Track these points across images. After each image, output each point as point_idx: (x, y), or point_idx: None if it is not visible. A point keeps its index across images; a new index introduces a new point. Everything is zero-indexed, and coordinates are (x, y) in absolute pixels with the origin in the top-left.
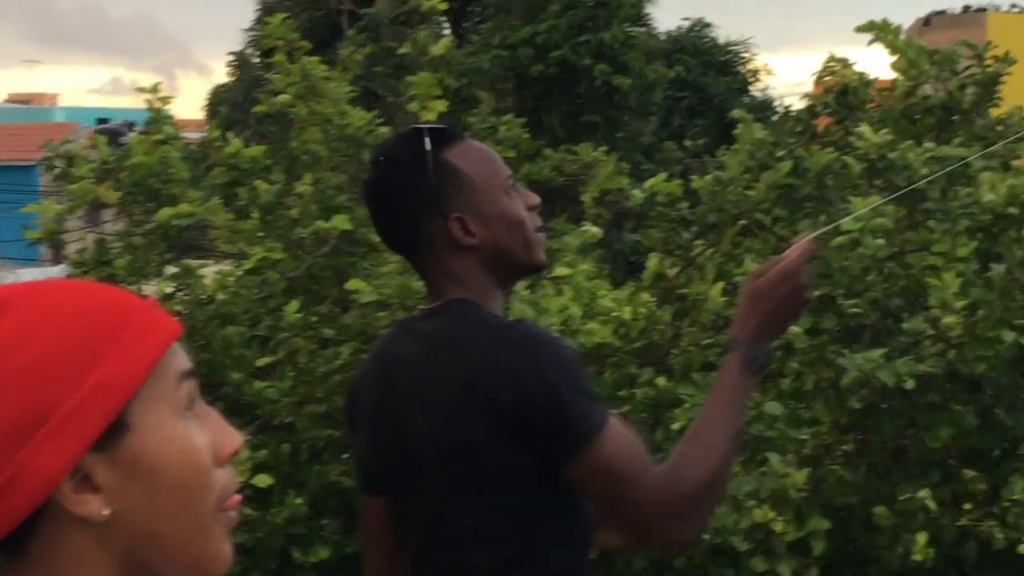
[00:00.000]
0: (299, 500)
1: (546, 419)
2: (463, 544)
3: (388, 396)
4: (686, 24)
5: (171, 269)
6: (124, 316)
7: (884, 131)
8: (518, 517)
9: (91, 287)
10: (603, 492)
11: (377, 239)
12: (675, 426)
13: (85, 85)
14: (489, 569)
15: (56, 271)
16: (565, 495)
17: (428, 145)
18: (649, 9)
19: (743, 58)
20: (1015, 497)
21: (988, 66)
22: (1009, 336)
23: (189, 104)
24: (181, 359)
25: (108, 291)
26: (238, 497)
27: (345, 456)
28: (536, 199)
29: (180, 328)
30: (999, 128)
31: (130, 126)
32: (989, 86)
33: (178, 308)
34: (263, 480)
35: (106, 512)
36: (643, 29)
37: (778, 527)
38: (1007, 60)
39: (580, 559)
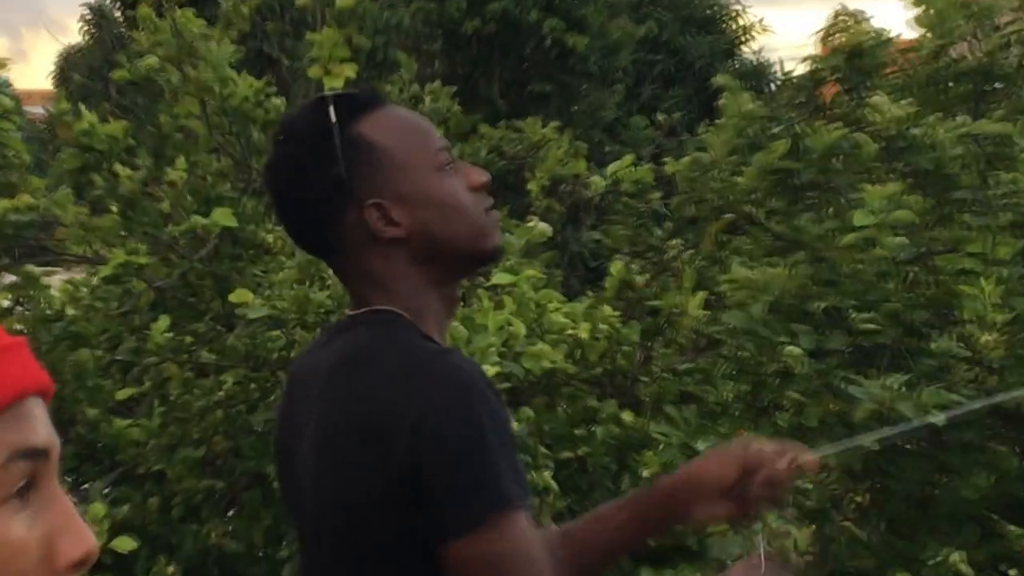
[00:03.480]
0: (171, 568)
1: (437, 482)
2: None
3: (286, 418)
4: None
5: (9, 278)
6: None
7: (906, 102)
8: None
9: None
10: None
11: (268, 238)
12: (645, 472)
13: None
14: None
15: None
16: None
17: (334, 116)
18: None
19: (731, 12)
20: None
21: (1001, 26)
22: None
23: (36, 71)
24: (16, 431)
25: None
26: None
27: (230, 514)
28: (482, 177)
29: (18, 388)
30: None
31: None
32: None
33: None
34: (125, 543)
35: None
36: None
37: (763, 545)
38: None
39: None
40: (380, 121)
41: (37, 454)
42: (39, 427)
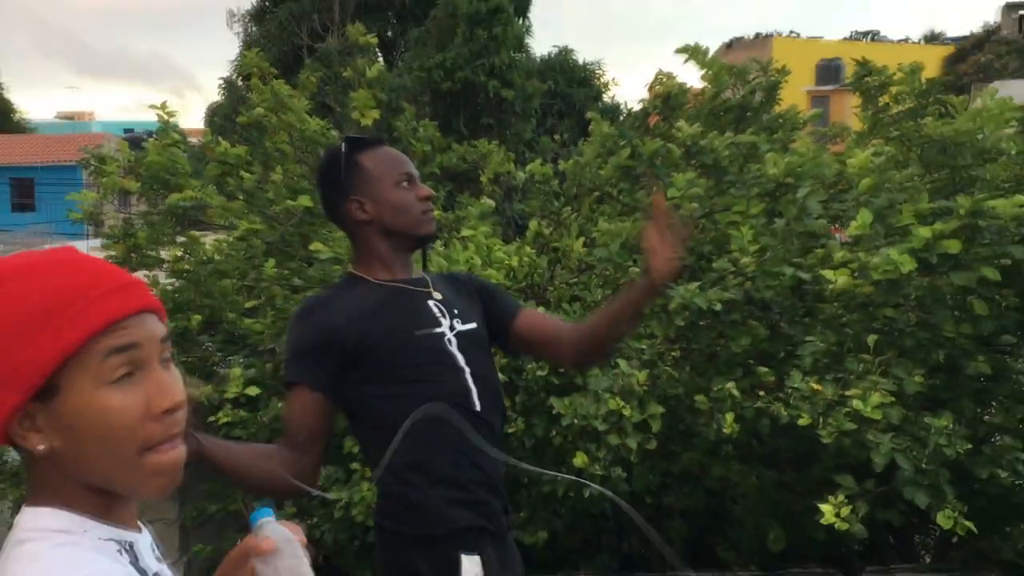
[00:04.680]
0: (279, 404)
1: None
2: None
3: None
4: (555, 50)
5: (180, 239)
6: (66, 302)
7: (697, 125)
8: None
9: (72, 270)
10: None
11: None
12: None
13: (115, 104)
14: None
15: (96, 243)
16: None
17: (344, 148)
18: (528, 40)
19: (597, 75)
20: (794, 386)
21: (771, 77)
22: (789, 271)
23: (192, 117)
24: (121, 337)
25: (77, 276)
26: (169, 445)
27: None
28: (426, 192)
29: (132, 308)
30: (779, 121)
31: (149, 134)
32: (771, 91)
33: (186, 267)
34: (253, 390)
35: (42, 447)
36: (523, 55)
37: (626, 412)
38: (784, 72)
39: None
40: (372, 154)
41: (126, 349)
42: (132, 331)
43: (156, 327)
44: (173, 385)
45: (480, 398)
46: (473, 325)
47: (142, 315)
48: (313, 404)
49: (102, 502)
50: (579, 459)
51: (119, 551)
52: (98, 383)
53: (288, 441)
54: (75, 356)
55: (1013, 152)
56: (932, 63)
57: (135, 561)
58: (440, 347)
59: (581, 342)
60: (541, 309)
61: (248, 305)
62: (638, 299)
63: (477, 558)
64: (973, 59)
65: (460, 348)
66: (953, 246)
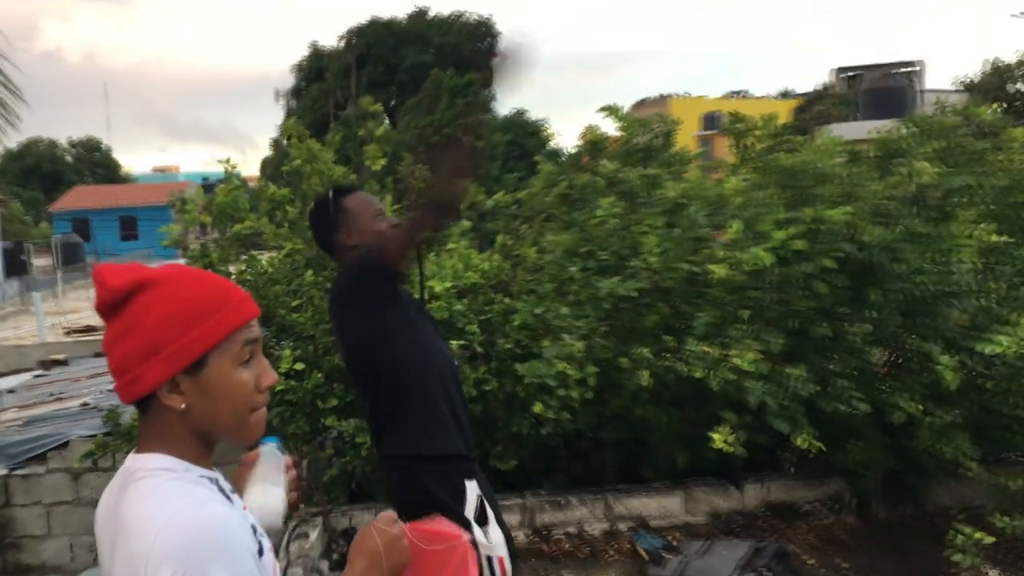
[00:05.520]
0: (319, 375)
1: None
2: None
3: None
4: (513, 112)
5: (243, 257)
6: (219, 303)
7: (615, 162)
8: None
9: (213, 281)
10: None
11: None
12: (516, 322)
13: (194, 160)
14: None
15: (181, 262)
16: None
17: (331, 195)
18: (495, 104)
19: (543, 129)
20: (691, 349)
21: (669, 126)
22: (684, 266)
23: (249, 168)
24: (250, 332)
25: (219, 286)
26: (264, 409)
27: None
28: (392, 221)
29: (255, 313)
30: (675, 158)
31: (219, 182)
32: (669, 136)
33: (248, 277)
34: (299, 366)
35: (182, 407)
36: (490, 115)
37: (570, 372)
38: (677, 123)
39: None
40: (352, 197)
41: (253, 341)
42: (254, 329)
43: (259, 328)
44: (270, 368)
45: (453, 367)
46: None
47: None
48: None
49: (199, 449)
50: (538, 407)
51: (210, 485)
52: (234, 364)
53: None
54: (222, 342)
55: (842, 175)
56: (784, 113)
57: (221, 491)
58: (432, 332)
59: None
60: (507, 300)
61: (293, 304)
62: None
63: (475, 482)
64: (814, 109)
65: (442, 338)
66: (801, 244)
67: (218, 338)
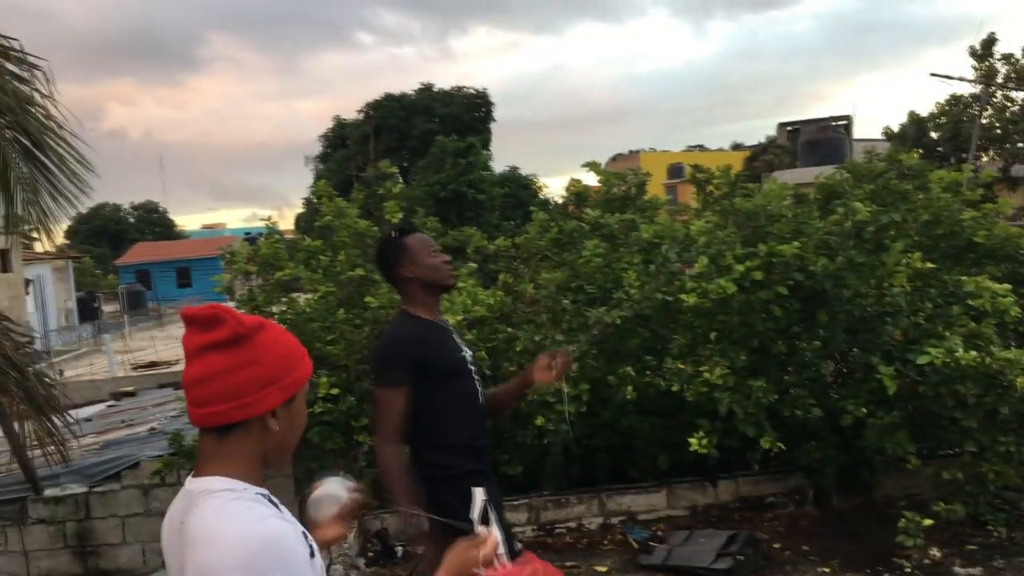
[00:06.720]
0: (352, 398)
1: None
2: None
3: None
4: (508, 168)
5: (283, 299)
6: (304, 350)
7: (597, 210)
8: None
9: (288, 333)
10: None
11: (378, 278)
12: (518, 348)
13: (239, 217)
14: None
15: (231, 304)
16: None
17: (395, 235)
18: (491, 163)
19: (535, 182)
20: (668, 367)
21: (640, 177)
22: (659, 296)
23: (286, 223)
24: (309, 375)
25: (292, 337)
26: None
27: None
28: (445, 257)
29: (312, 368)
30: (647, 204)
31: (261, 235)
32: (641, 186)
33: (288, 316)
34: (335, 391)
35: (276, 428)
36: (489, 172)
37: (566, 389)
38: (647, 174)
39: None
40: (412, 237)
41: (311, 383)
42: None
43: None
44: None
45: (481, 395)
46: (471, 354)
47: None
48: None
49: (258, 470)
50: (539, 420)
51: (266, 501)
52: (303, 399)
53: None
54: (305, 384)
55: (789, 215)
56: (737, 162)
57: (273, 504)
58: (464, 363)
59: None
60: (509, 329)
61: (328, 338)
62: (516, 392)
63: (482, 489)
64: (762, 159)
65: (471, 365)
66: (758, 275)
67: (308, 377)
